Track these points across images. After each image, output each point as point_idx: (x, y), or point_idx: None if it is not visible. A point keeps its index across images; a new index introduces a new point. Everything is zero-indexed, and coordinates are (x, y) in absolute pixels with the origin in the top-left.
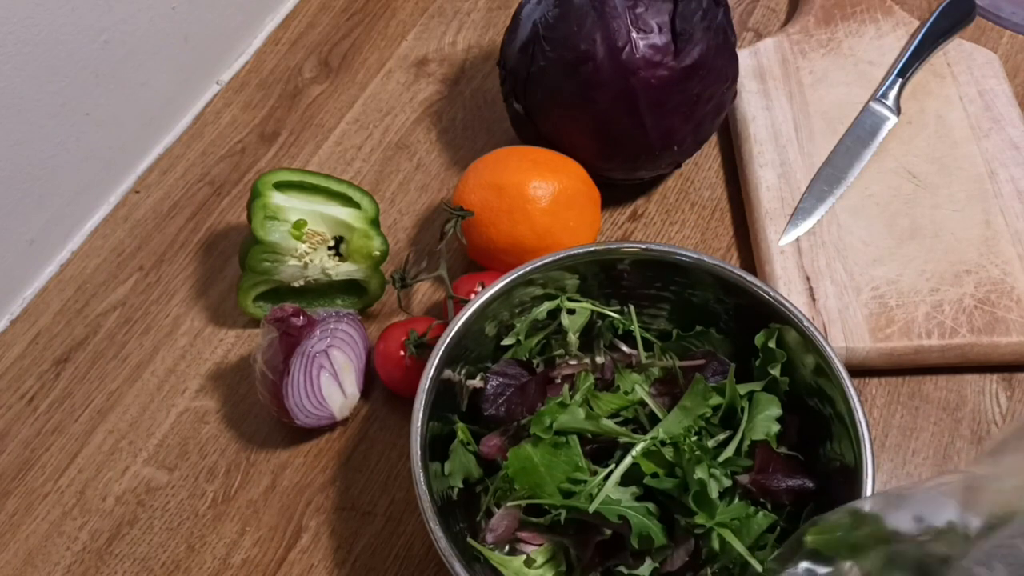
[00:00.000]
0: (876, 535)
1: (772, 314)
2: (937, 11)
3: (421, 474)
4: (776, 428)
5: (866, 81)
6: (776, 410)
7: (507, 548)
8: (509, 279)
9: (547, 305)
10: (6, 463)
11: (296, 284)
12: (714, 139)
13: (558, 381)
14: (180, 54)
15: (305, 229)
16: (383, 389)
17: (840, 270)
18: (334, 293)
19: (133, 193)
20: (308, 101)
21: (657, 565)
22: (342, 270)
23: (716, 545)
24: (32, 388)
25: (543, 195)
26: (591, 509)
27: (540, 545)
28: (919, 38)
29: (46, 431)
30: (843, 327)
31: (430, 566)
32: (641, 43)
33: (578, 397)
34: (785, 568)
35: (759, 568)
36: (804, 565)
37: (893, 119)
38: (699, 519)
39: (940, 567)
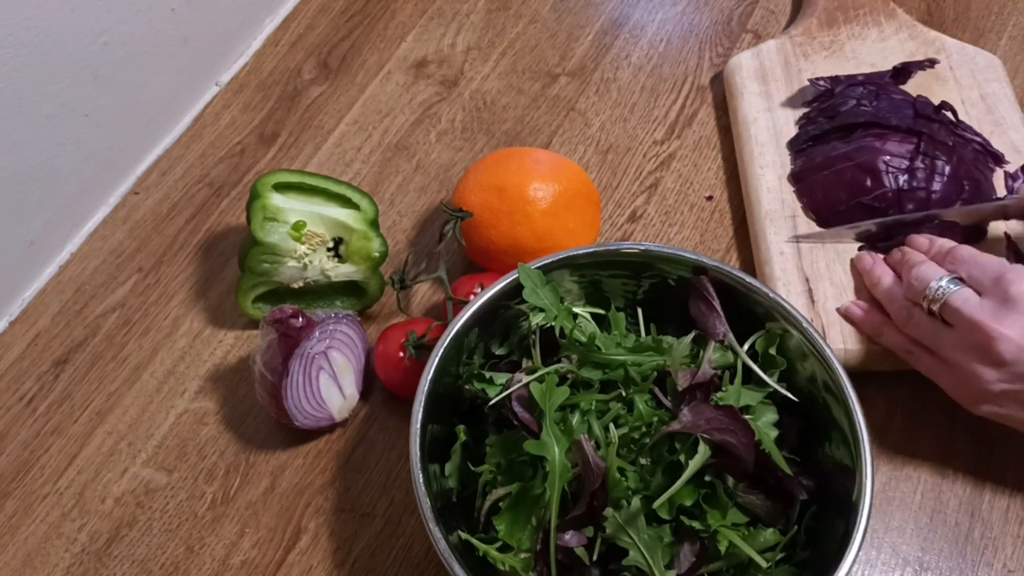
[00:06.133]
0: None
1: (771, 315)
2: None
3: (420, 476)
4: (774, 433)
5: None
6: (772, 415)
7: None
8: (508, 280)
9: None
10: (5, 464)
11: (295, 285)
12: (715, 140)
13: None
14: (179, 55)
15: (304, 230)
16: (382, 390)
17: (839, 272)
18: (333, 294)
19: (132, 194)
20: (307, 102)
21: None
22: (341, 271)
23: (723, 547)
24: (31, 389)
25: (543, 197)
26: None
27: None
28: None
29: (45, 432)
30: (842, 328)
31: (429, 567)
32: None
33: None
34: None
35: (764, 564)
36: None
37: None
38: (711, 520)
39: None
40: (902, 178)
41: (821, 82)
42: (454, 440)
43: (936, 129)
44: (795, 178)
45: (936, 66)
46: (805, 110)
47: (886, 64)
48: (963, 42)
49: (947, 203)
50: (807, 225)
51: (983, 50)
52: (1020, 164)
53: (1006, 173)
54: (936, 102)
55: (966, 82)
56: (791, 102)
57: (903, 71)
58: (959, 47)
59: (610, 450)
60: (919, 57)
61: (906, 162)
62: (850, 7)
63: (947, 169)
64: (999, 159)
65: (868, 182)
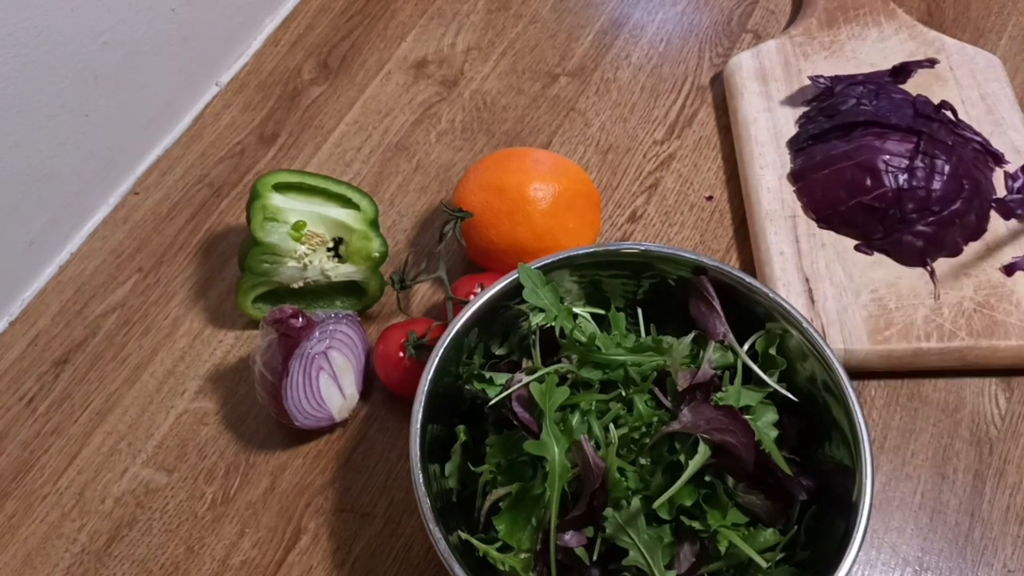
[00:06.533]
0: None
1: (771, 315)
2: None
3: (420, 476)
4: (774, 433)
5: None
6: (772, 415)
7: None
8: (508, 280)
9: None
10: (5, 464)
11: (295, 285)
12: (715, 140)
13: None
14: (179, 55)
15: (304, 230)
16: (382, 390)
17: (839, 272)
18: (333, 294)
19: (132, 194)
20: (307, 102)
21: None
22: (341, 271)
23: (723, 547)
24: (31, 390)
25: (543, 197)
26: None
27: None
28: None
29: (45, 432)
30: (841, 329)
31: (429, 567)
32: None
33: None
34: None
35: (764, 564)
36: None
37: None
38: (711, 520)
39: None
40: (902, 177)
41: (821, 80)
42: (454, 440)
43: (936, 128)
44: (795, 177)
45: (936, 66)
46: (805, 109)
47: (886, 64)
48: (963, 42)
49: (947, 203)
50: (807, 225)
51: (983, 50)
52: (1020, 164)
53: (1006, 173)
54: (936, 102)
55: (966, 82)
56: (791, 101)
57: (902, 70)
58: (959, 47)
59: (610, 450)
60: (919, 57)
61: (906, 161)
62: (850, 7)
63: (947, 168)
64: (999, 159)
65: (868, 181)
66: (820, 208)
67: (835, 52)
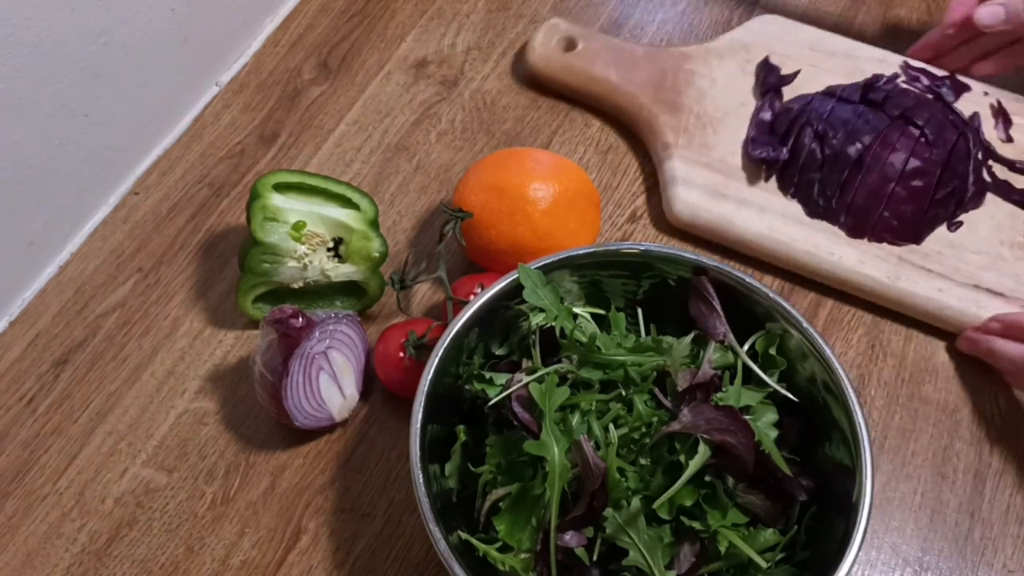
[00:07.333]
0: None
1: (771, 315)
2: None
3: (420, 476)
4: (774, 433)
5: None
6: (772, 415)
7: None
8: (508, 280)
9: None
10: (5, 465)
11: (295, 285)
12: None
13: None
14: (179, 55)
15: (304, 230)
16: (382, 390)
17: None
18: (333, 294)
19: (132, 194)
20: (307, 103)
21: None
22: (341, 271)
23: (723, 547)
24: (31, 390)
25: (544, 197)
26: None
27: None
28: None
29: (45, 433)
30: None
31: (429, 567)
32: None
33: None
34: None
35: (764, 564)
36: None
37: None
38: (711, 520)
39: None
40: (936, 154)
41: (769, 154)
42: (454, 440)
43: (891, 102)
44: (852, 231)
45: (798, 74)
46: (772, 186)
47: (733, 100)
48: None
49: (950, 149)
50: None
51: (759, 15)
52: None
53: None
54: (817, 87)
55: (790, 52)
56: (752, 195)
57: (776, 87)
58: (760, 22)
59: (610, 450)
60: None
61: (923, 144)
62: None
63: (933, 122)
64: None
65: (920, 183)
66: (901, 232)
67: (706, 145)
